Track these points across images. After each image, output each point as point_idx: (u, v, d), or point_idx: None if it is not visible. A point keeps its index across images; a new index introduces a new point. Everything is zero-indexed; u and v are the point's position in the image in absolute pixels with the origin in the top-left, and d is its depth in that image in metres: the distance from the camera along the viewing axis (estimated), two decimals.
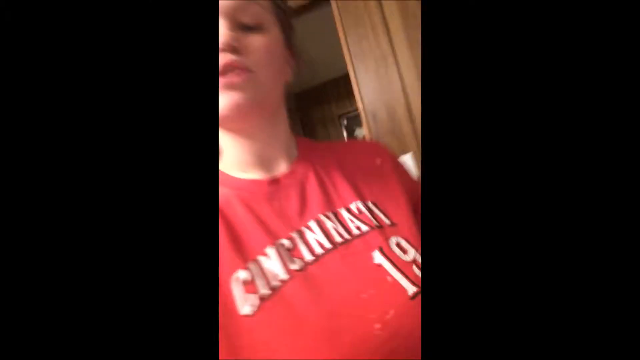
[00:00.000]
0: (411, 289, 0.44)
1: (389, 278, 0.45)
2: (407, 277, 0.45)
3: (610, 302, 0.26)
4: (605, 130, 0.27)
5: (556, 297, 0.27)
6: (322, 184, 0.54)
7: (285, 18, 0.56)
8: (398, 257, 0.47)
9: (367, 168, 0.58)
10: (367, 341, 0.40)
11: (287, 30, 0.57)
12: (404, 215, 0.53)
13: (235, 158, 0.54)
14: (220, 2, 0.47)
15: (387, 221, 0.51)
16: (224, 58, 0.46)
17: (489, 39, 0.29)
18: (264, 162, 0.54)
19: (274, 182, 0.53)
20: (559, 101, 0.28)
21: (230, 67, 0.46)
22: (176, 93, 0.29)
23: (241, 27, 0.49)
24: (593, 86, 0.27)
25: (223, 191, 0.51)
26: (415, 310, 0.42)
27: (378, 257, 0.47)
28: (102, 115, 0.28)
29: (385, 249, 0.48)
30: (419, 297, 0.43)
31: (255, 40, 0.49)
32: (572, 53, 0.28)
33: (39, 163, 0.27)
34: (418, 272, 0.46)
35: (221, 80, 0.46)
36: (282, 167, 0.55)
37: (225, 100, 0.47)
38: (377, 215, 0.52)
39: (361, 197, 0.53)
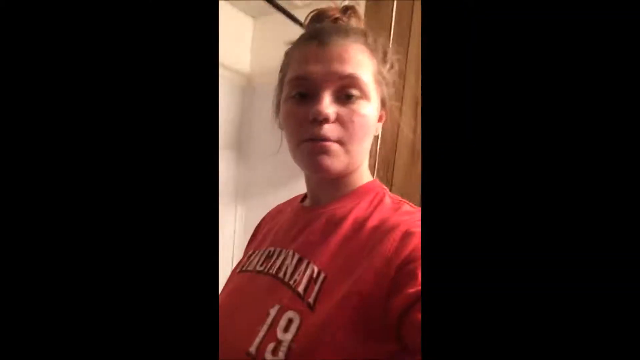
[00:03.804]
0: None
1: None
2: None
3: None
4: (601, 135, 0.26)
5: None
6: (323, 231, 0.55)
7: (385, 80, 0.57)
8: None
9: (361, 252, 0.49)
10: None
11: (383, 88, 0.57)
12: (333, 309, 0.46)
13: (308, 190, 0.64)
14: (330, 71, 0.51)
15: (310, 301, 0.47)
16: (320, 129, 0.51)
17: (488, 41, 0.29)
18: (319, 195, 0.61)
19: (304, 209, 0.63)
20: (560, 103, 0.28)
21: (324, 138, 0.51)
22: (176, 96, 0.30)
23: (345, 97, 0.52)
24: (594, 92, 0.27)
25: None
26: None
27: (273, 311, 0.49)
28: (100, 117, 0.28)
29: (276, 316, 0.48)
30: None
31: (354, 113, 0.52)
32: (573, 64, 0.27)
33: (38, 163, 0.27)
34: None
35: (313, 145, 0.52)
36: (324, 201, 0.60)
37: (315, 163, 0.53)
38: (308, 289, 0.49)
39: (321, 268, 0.50)
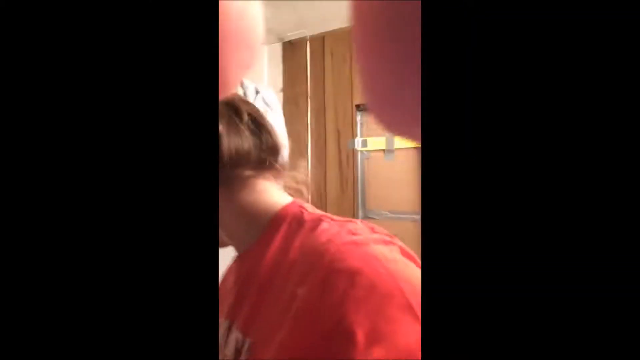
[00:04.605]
0: None
1: None
2: None
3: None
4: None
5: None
6: (245, 285, 0.45)
7: None
8: None
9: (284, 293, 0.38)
10: None
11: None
12: None
13: None
14: None
15: None
16: None
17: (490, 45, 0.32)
18: (236, 243, 0.49)
19: (235, 262, 0.51)
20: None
21: None
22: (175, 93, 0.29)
23: None
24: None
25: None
26: None
27: None
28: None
29: None
30: None
31: None
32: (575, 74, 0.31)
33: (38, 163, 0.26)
34: None
35: None
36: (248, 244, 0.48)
37: None
38: None
39: (245, 332, 0.41)
